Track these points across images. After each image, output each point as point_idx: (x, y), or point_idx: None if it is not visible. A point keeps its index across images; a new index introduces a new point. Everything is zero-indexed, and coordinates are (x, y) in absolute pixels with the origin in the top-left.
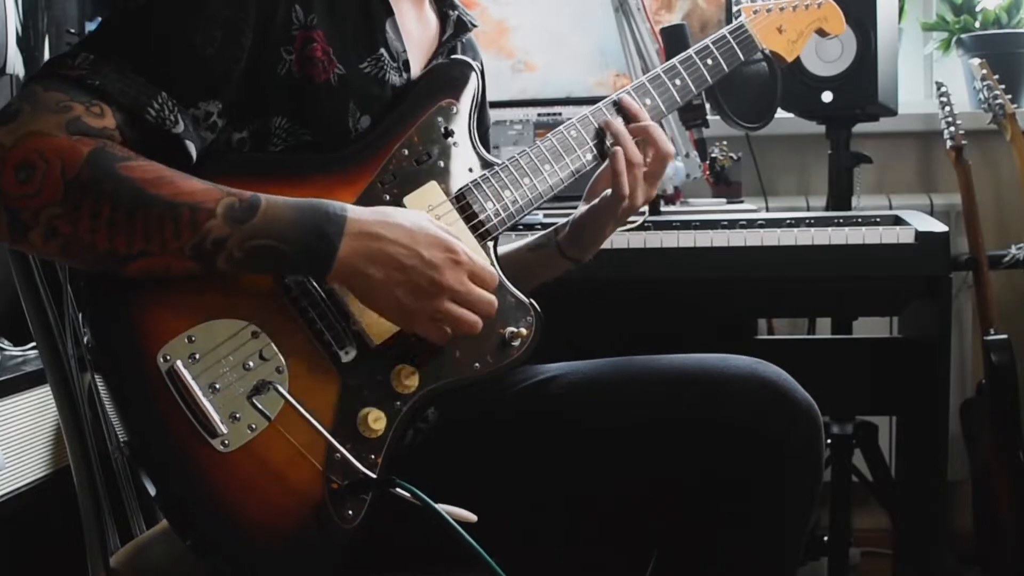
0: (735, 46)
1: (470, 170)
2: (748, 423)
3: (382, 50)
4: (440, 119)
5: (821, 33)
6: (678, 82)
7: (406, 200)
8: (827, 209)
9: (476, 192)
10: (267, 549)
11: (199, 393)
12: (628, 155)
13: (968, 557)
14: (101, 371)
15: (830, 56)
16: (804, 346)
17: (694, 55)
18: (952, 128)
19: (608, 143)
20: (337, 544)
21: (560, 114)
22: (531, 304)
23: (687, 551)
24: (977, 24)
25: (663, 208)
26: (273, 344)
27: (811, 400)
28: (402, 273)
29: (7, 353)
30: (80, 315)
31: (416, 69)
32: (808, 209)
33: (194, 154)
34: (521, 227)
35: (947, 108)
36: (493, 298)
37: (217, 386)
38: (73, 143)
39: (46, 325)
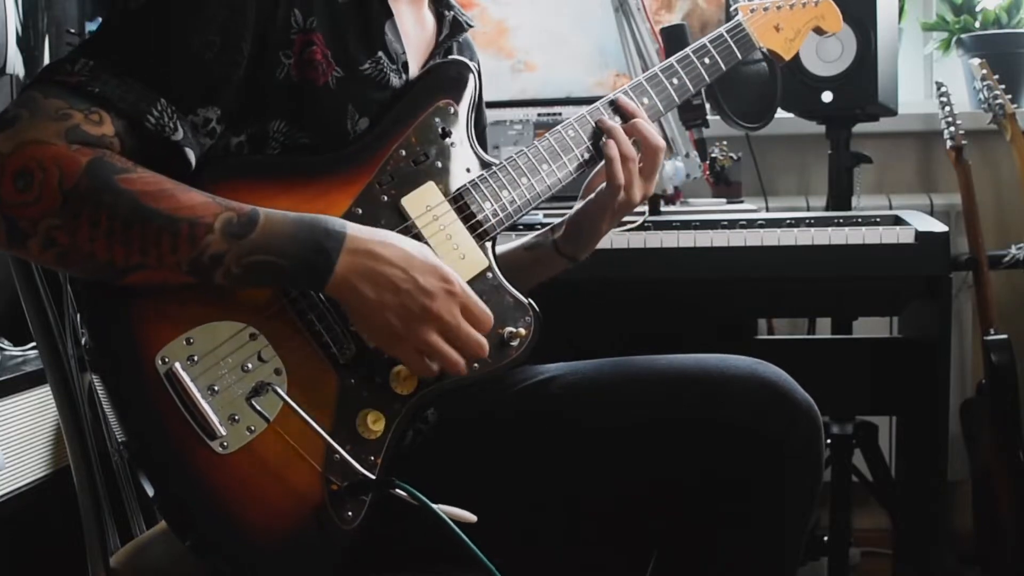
0: (732, 45)
1: (468, 170)
2: (748, 423)
3: (381, 52)
4: (438, 120)
5: (818, 31)
6: (675, 81)
7: (404, 201)
8: (827, 209)
9: (474, 192)
10: (267, 550)
11: (198, 395)
12: (621, 148)
13: (968, 557)
14: (100, 373)
15: (830, 56)
16: (804, 346)
17: (691, 54)
18: (952, 128)
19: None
20: (337, 545)
21: (560, 114)
22: (529, 304)
23: (687, 551)
24: (977, 24)
25: (663, 208)
26: (272, 346)
27: (811, 400)
28: (395, 296)
29: (7, 353)
30: (79, 316)
31: (414, 70)
32: (808, 209)
33: (193, 161)
34: (521, 227)
35: (947, 108)
36: (483, 341)
37: (216, 388)
38: (72, 153)
39: (46, 325)
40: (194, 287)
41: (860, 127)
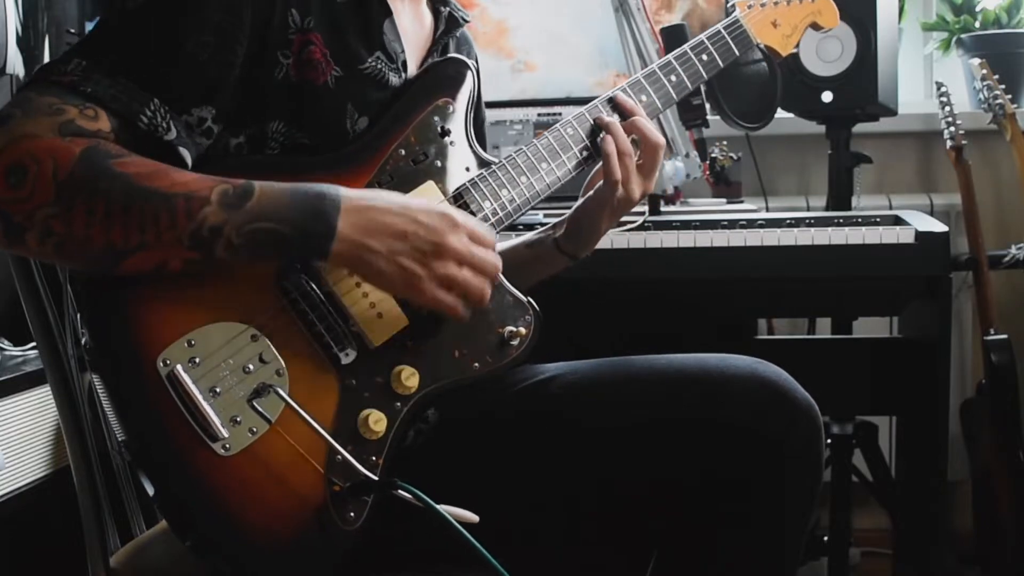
0: (730, 41)
1: (467, 169)
2: (748, 423)
3: (380, 51)
4: (437, 118)
5: (815, 27)
6: (673, 78)
7: None
8: (827, 209)
9: (474, 191)
10: (268, 551)
11: (200, 397)
12: (618, 145)
13: (968, 557)
14: (100, 373)
15: (830, 56)
16: (804, 346)
17: (689, 51)
18: (952, 128)
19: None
20: (339, 546)
21: (560, 114)
22: (529, 303)
23: (687, 551)
24: (977, 24)
25: (663, 208)
26: (273, 347)
27: (811, 400)
28: (403, 241)
29: (7, 353)
30: (79, 316)
31: (412, 68)
32: (808, 209)
33: (189, 160)
34: (521, 227)
35: (947, 108)
36: (496, 257)
37: (217, 390)
38: (65, 143)
39: (46, 325)
40: (194, 288)
41: (860, 127)
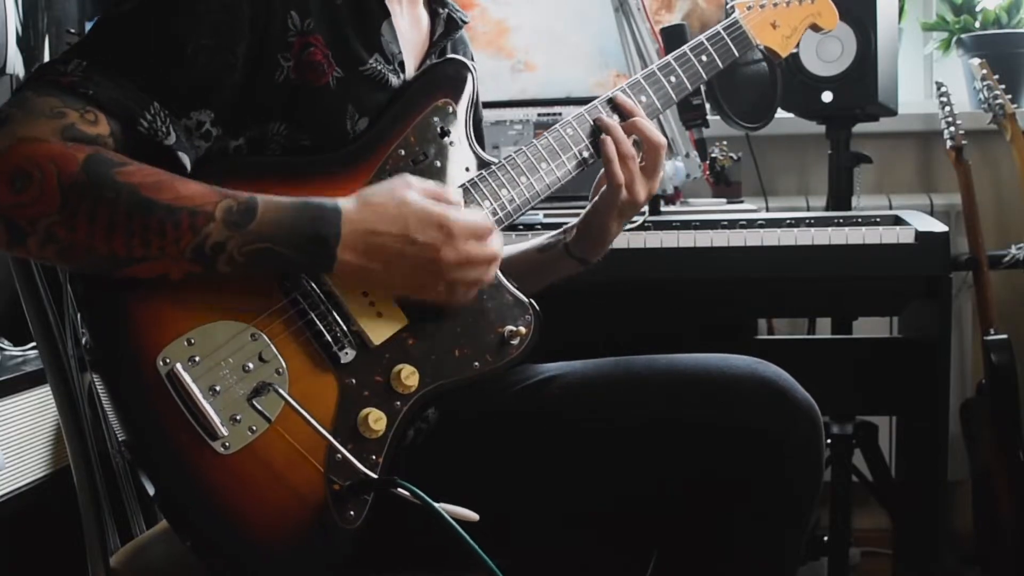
0: (729, 42)
1: (467, 169)
2: (748, 423)
3: (379, 53)
4: (436, 119)
5: (815, 28)
6: (673, 79)
7: None
8: (827, 209)
9: (474, 191)
10: (268, 550)
11: (199, 396)
12: (619, 148)
13: (968, 557)
14: (100, 373)
15: (830, 56)
16: (804, 346)
17: (689, 52)
18: (952, 128)
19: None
20: (339, 545)
21: (560, 114)
22: (529, 303)
23: (687, 551)
24: (977, 24)
25: (663, 208)
26: (273, 346)
27: (811, 400)
28: (403, 261)
29: (7, 353)
30: (79, 316)
31: (410, 70)
32: (808, 209)
33: (188, 165)
34: (521, 227)
35: (947, 108)
36: (494, 248)
37: (217, 388)
38: (68, 150)
39: (46, 325)
40: (194, 287)
41: (860, 127)
